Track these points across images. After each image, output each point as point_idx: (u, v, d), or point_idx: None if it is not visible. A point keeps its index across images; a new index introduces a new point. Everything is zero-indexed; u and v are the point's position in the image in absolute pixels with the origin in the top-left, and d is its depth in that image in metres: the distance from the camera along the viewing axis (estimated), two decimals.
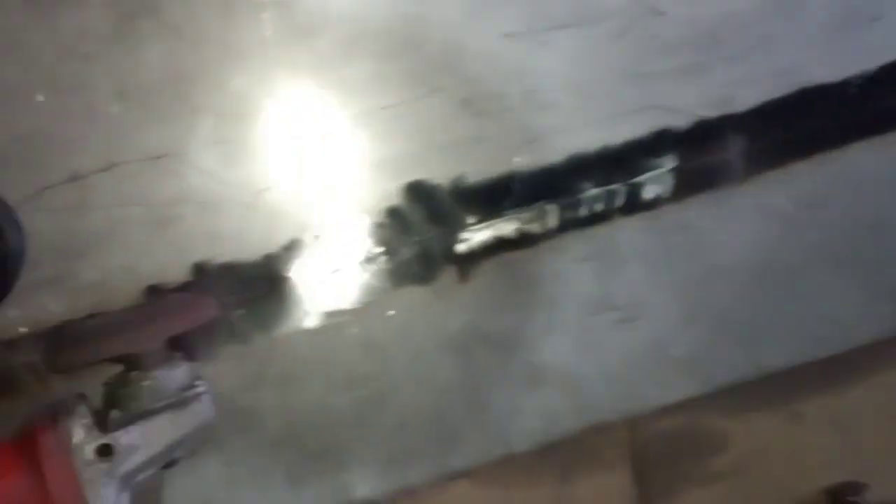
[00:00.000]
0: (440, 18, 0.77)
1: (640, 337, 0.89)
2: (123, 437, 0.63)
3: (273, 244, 0.78)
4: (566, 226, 0.83)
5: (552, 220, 0.83)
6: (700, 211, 0.87)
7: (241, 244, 0.77)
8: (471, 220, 0.81)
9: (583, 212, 0.83)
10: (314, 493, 0.83)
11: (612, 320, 0.88)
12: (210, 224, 0.76)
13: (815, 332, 0.93)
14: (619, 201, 0.84)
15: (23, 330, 0.74)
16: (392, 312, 0.81)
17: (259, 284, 0.78)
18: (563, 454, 0.90)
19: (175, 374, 0.67)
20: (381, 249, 0.80)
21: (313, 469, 0.83)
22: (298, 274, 0.79)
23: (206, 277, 0.76)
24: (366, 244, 0.80)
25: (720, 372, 0.92)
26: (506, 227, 0.82)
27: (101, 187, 0.74)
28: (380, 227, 0.80)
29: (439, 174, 0.80)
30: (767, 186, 0.88)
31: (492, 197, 0.81)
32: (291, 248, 0.78)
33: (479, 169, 0.80)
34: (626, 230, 0.85)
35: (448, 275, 0.82)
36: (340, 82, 0.77)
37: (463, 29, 0.78)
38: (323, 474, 0.83)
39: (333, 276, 0.79)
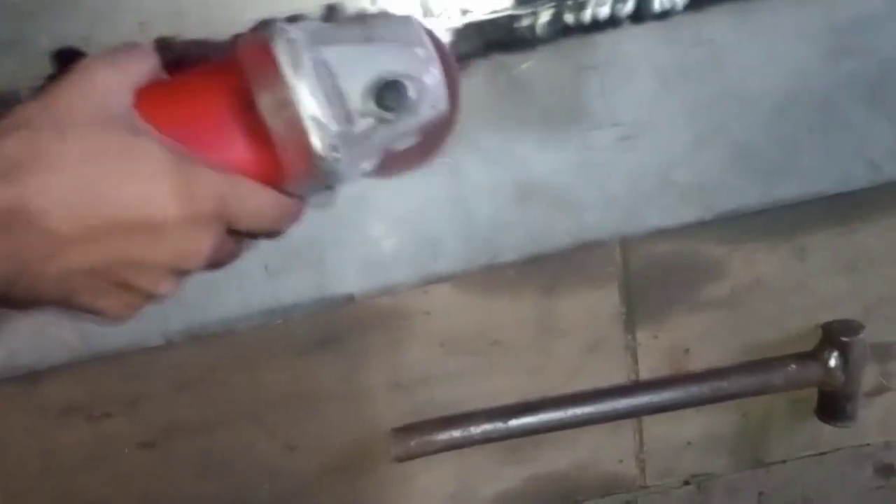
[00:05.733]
0: None
1: (643, 157, 0.84)
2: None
3: None
4: (567, 30, 0.76)
5: (550, 21, 0.76)
6: (724, 25, 0.79)
7: None
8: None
9: (586, 16, 0.76)
10: (292, 286, 0.85)
11: (614, 137, 0.83)
12: None
13: (838, 168, 0.87)
14: (629, 7, 0.76)
15: None
16: None
17: None
18: (550, 268, 0.89)
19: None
20: None
21: (291, 264, 0.84)
22: None
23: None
24: None
25: (726, 201, 0.88)
26: (497, 26, 0.75)
27: None
28: None
29: None
30: (805, 4, 0.79)
31: None
32: None
33: None
34: (638, 40, 0.78)
35: None
36: None
37: None
38: (300, 270, 0.84)
39: None
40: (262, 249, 0.81)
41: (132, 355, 0.87)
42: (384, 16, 0.72)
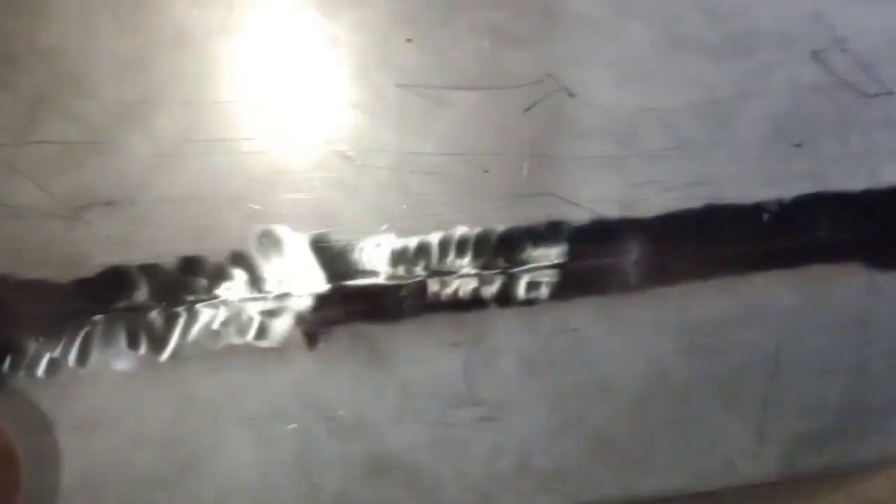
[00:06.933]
0: None
1: (501, 439, 0.81)
2: None
3: (86, 268, 0.71)
4: (432, 305, 0.76)
5: (415, 295, 0.75)
6: (588, 316, 0.80)
7: (49, 262, 0.70)
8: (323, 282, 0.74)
9: (450, 293, 0.76)
10: None
11: (474, 417, 0.80)
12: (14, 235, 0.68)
13: (694, 465, 0.87)
14: (495, 290, 0.77)
15: None
16: (224, 368, 0.73)
17: (70, 312, 0.70)
18: None
19: None
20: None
21: None
22: (117, 304, 0.71)
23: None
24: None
25: (584, 491, 0.85)
26: (363, 295, 0.74)
27: None
28: None
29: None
30: (662, 302, 0.82)
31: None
32: (109, 274, 0.70)
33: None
34: (503, 321, 0.78)
35: (293, 338, 0.75)
36: None
37: None
38: None
39: (157, 314, 0.71)
40: None
41: None
42: None
